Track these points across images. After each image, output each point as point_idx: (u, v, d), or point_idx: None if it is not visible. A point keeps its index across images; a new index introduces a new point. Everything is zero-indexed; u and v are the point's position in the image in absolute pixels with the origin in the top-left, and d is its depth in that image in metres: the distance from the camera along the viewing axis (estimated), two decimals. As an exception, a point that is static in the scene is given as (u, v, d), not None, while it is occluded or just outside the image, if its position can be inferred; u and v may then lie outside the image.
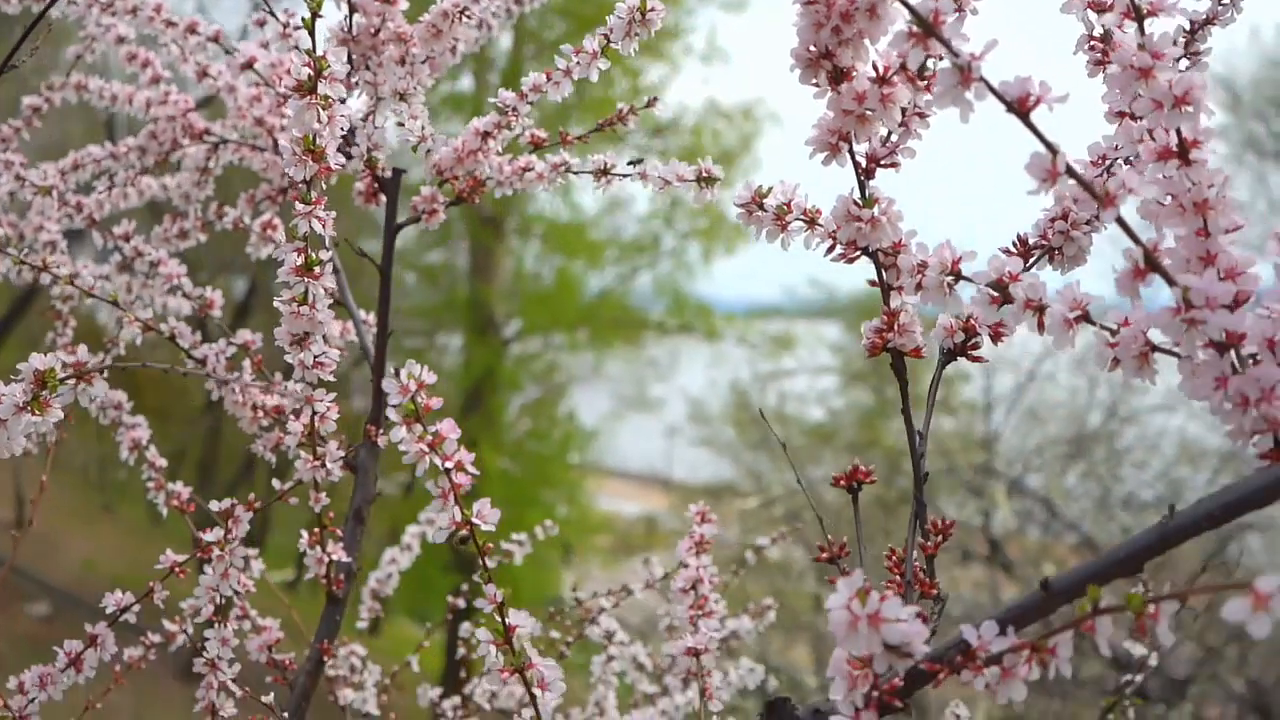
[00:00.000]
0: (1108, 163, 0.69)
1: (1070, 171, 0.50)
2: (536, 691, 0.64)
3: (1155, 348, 0.54)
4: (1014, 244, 0.69)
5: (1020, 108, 0.51)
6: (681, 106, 11.62)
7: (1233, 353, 0.53)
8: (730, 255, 11.88)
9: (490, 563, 0.66)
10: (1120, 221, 0.51)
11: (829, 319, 11.03)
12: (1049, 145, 0.51)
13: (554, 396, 11.95)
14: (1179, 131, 0.53)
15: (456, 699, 1.34)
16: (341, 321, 1.15)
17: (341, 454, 0.91)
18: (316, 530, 0.96)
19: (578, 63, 0.90)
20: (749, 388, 10.65)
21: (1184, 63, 0.73)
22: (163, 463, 1.10)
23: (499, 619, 0.65)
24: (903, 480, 7.36)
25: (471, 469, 0.63)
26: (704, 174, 0.84)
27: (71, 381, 0.67)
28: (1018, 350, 7.74)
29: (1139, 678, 1.11)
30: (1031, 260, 0.69)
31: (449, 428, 0.63)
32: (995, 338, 0.67)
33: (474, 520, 0.63)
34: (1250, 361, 0.52)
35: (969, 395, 8.48)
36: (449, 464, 0.62)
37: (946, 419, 8.66)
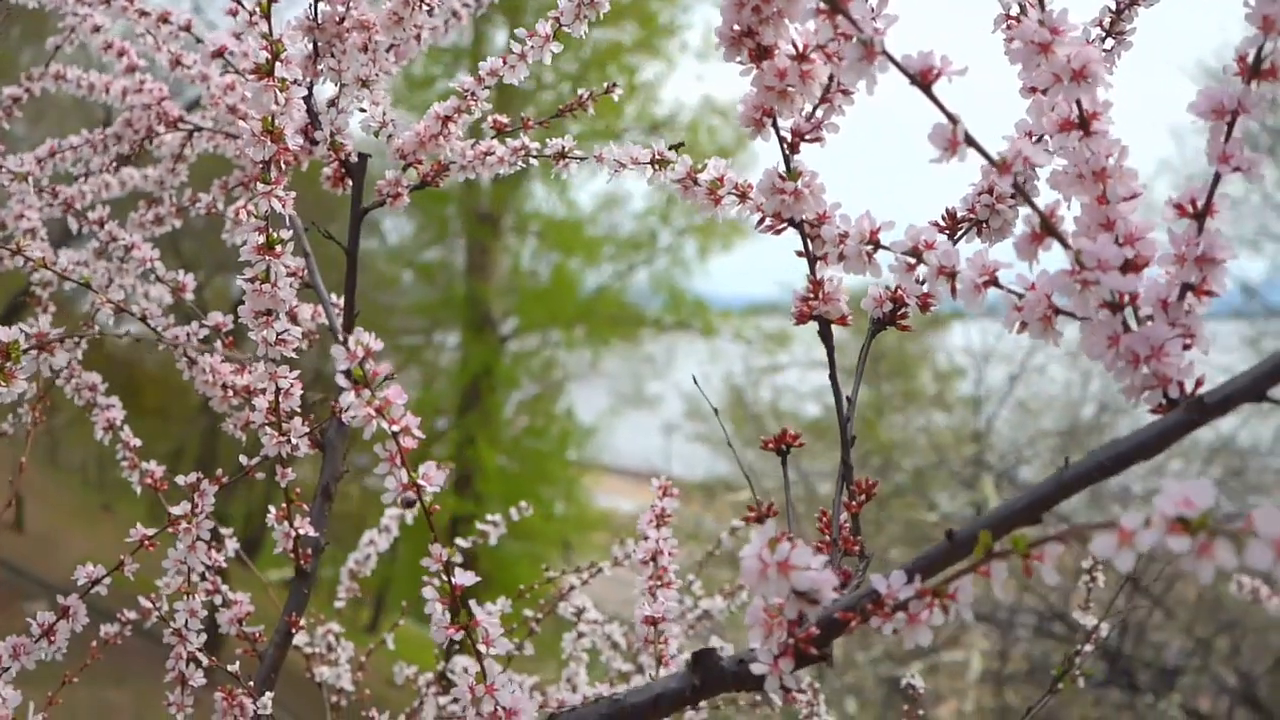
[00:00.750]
0: (1034, 138, 0.72)
1: (969, 140, 0.53)
2: (481, 647, 0.67)
3: (1058, 310, 0.57)
4: (942, 217, 0.72)
5: (923, 80, 0.53)
6: (678, 103, 11.63)
7: (1130, 313, 0.56)
8: (727, 252, 11.91)
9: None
10: (1018, 188, 0.54)
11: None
12: (950, 116, 0.53)
13: (551, 393, 11.98)
14: (1079, 103, 0.56)
15: (430, 675, 1.37)
16: (312, 305, 1.18)
17: (306, 430, 0.93)
18: (284, 506, 0.99)
19: (531, 46, 0.93)
20: (744, 383, 10.68)
21: (1109, 42, 0.76)
22: (137, 442, 1.13)
23: (445, 579, 0.67)
24: (898, 475, 7.40)
25: (418, 433, 0.66)
26: (657, 157, 0.87)
27: (34, 352, 0.70)
28: (1010, 344, 7.78)
29: (1087, 648, 1.14)
30: (960, 233, 0.72)
31: (396, 393, 0.65)
32: (923, 307, 0.70)
33: (420, 482, 0.66)
34: (1146, 322, 0.55)
35: (965, 391, 8.52)
36: (396, 428, 0.65)
37: (940, 415, 8.69)
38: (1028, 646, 6.04)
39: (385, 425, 0.65)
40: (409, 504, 0.67)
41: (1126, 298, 0.54)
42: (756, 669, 0.57)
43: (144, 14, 1.13)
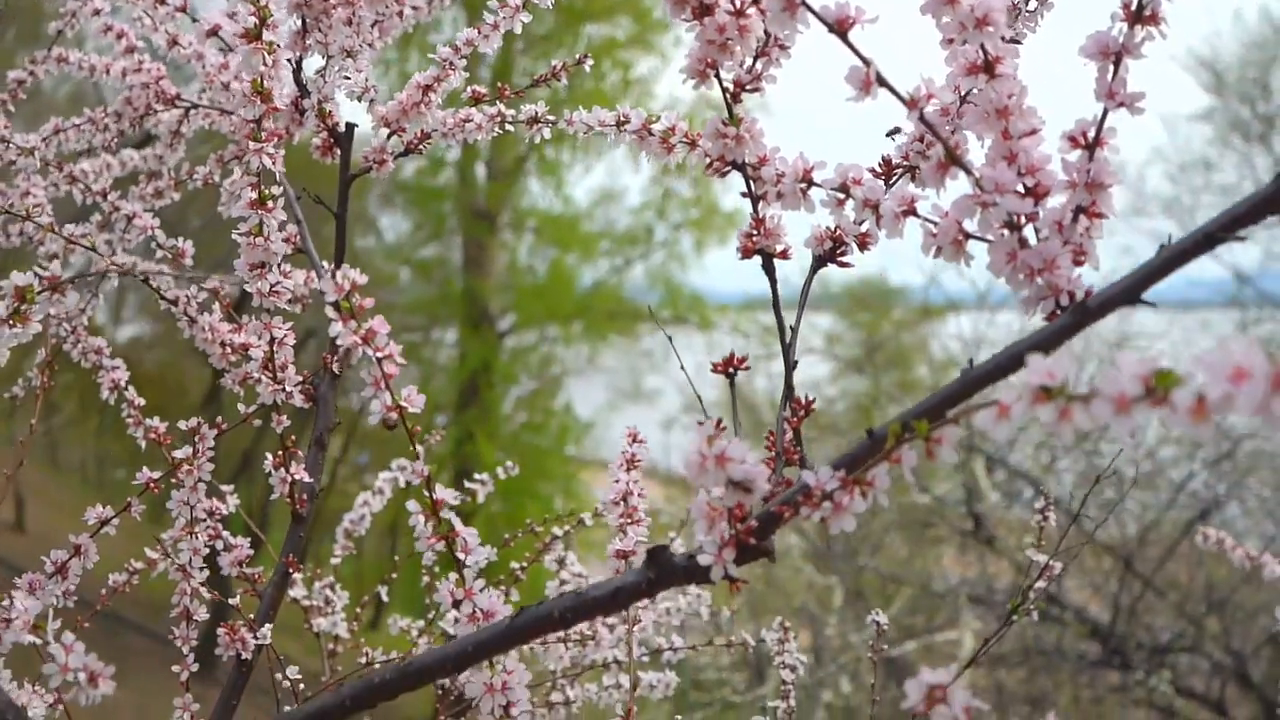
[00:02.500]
0: (963, 91, 0.79)
1: (881, 81, 0.60)
2: (460, 555, 0.74)
3: (968, 235, 0.64)
4: (879, 164, 0.78)
5: (840, 28, 0.60)
6: (672, 98, 11.69)
7: (1031, 233, 0.62)
8: (723, 246, 11.96)
9: (419, 446, 0.75)
10: (924, 121, 0.61)
11: (822, 309, 11.15)
12: (864, 59, 0.60)
13: (549, 389, 12.04)
14: (983, 49, 0.63)
15: (422, 623, 1.43)
16: (305, 271, 1.24)
17: (300, 379, 1.00)
18: (280, 453, 1.05)
19: (504, 16, 1.00)
20: (741, 375, 10.73)
21: (1032, 3, 0.82)
22: (141, 401, 1.19)
23: (427, 493, 0.74)
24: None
25: (400, 360, 0.72)
26: (621, 118, 0.93)
27: (47, 294, 0.76)
28: (1002, 333, 7.85)
29: (1041, 583, 1.20)
30: (895, 177, 0.78)
31: (380, 324, 0.72)
32: (861, 246, 0.76)
33: (402, 404, 0.73)
34: (1044, 241, 0.62)
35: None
36: (380, 354, 0.72)
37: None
38: (1019, 628, 6.11)
39: (370, 352, 0.72)
40: (391, 425, 0.74)
41: (1023, 218, 0.61)
42: (703, 559, 0.64)
43: (140, -6, 1.20)
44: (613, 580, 0.69)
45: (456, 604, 0.73)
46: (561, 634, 1.24)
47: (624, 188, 12.73)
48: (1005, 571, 6.78)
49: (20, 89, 1.43)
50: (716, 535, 0.63)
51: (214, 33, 1.14)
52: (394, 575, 1.58)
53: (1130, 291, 0.56)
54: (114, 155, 1.41)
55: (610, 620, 1.50)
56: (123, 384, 1.21)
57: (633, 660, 0.95)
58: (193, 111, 1.29)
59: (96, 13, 1.29)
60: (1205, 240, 0.55)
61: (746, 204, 0.72)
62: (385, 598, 1.52)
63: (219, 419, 1.02)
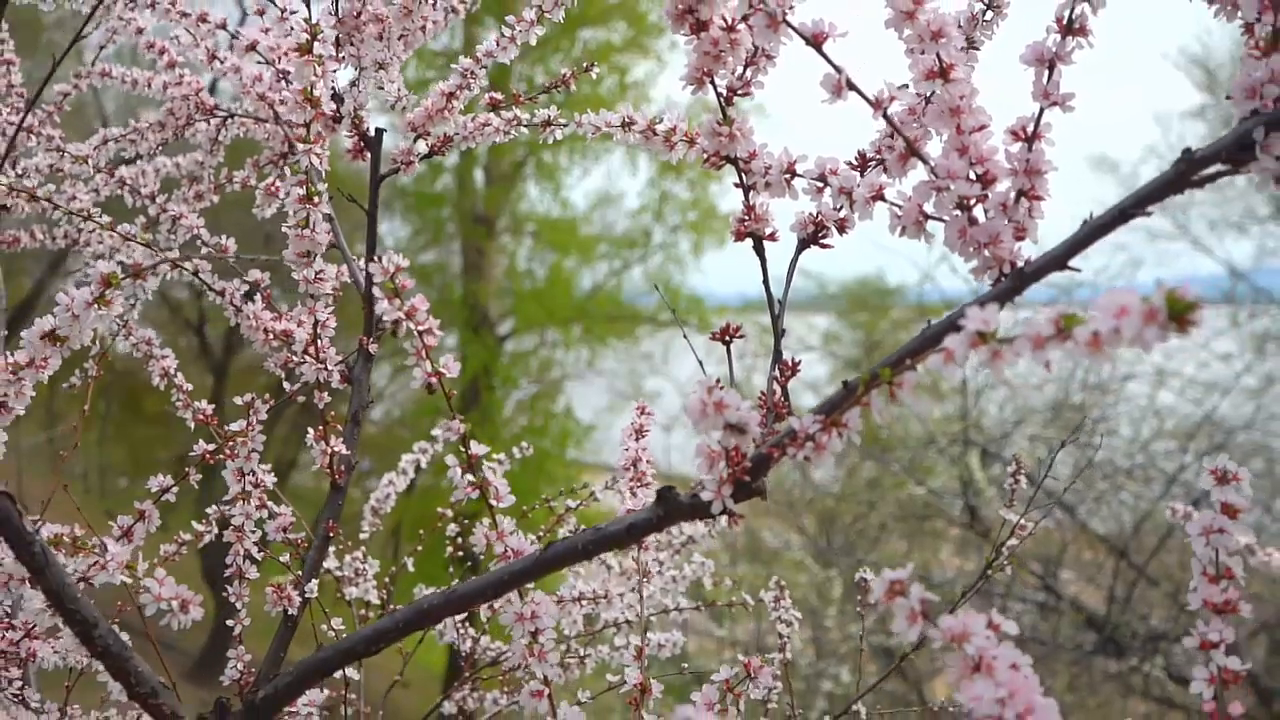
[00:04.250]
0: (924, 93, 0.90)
1: (850, 85, 0.71)
2: (493, 502, 0.85)
3: (927, 215, 0.75)
4: (855, 157, 0.89)
5: (816, 42, 0.71)
6: (669, 102, 11.79)
7: (980, 212, 0.73)
8: (721, 248, 12.08)
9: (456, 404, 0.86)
10: (888, 120, 0.72)
11: (820, 311, 11.26)
12: (836, 68, 0.71)
13: (550, 392, 12.14)
14: (939, 57, 0.74)
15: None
16: (336, 266, 1.35)
17: (340, 359, 1.11)
18: (321, 427, 1.16)
19: (519, 30, 1.11)
20: (740, 375, 10.84)
21: (989, 14, 0.93)
22: (189, 386, 1.30)
23: (463, 448, 0.85)
24: (894, 466, 7.58)
25: (438, 332, 0.83)
26: (627, 119, 1.04)
27: (130, 280, 0.87)
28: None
29: (1012, 542, 1.31)
30: (869, 169, 0.89)
31: (420, 301, 0.83)
32: (840, 229, 0.87)
33: (441, 369, 0.84)
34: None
35: (958, 378, 8.71)
36: (422, 328, 0.83)
37: (935, 406, 8.87)
38: (1015, 619, 6.21)
39: (413, 326, 0.83)
40: (431, 389, 0.85)
41: (973, 201, 0.72)
42: (705, 495, 0.75)
43: (185, 14, 1.31)
44: (627, 517, 0.80)
45: (489, 545, 0.84)
46: (578, 595, 1.35)
47: (621, 191, 12.85)
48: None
49: (65, 100, 1.54)
50: (716, 474, 0.74)
51: (253, 47, 1.26)
52: (419, 548, 1.68)
53: (1059, 260, 0.67)
54: (149, 163, 1.52)
55: (620, 589, 1.61)
56: (172, 371, 1.32)
57: (644, 618, 1.05)
58: (229, 120, 1.40)
59: (140, 31, 1.40)
60: (1120, 215, 0.66)
61: (789, 230, 0.83)
62: (411, 567, 1.63)
63: (267, 396, 1.12)
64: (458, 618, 1.47)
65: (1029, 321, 0.55)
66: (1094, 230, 0.67)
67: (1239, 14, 0.68)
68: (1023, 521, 1.29)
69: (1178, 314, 0.48)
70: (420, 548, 1.66)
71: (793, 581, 7.89)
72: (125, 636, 0.88)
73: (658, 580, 1.50)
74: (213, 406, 1.28)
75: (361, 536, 1.62)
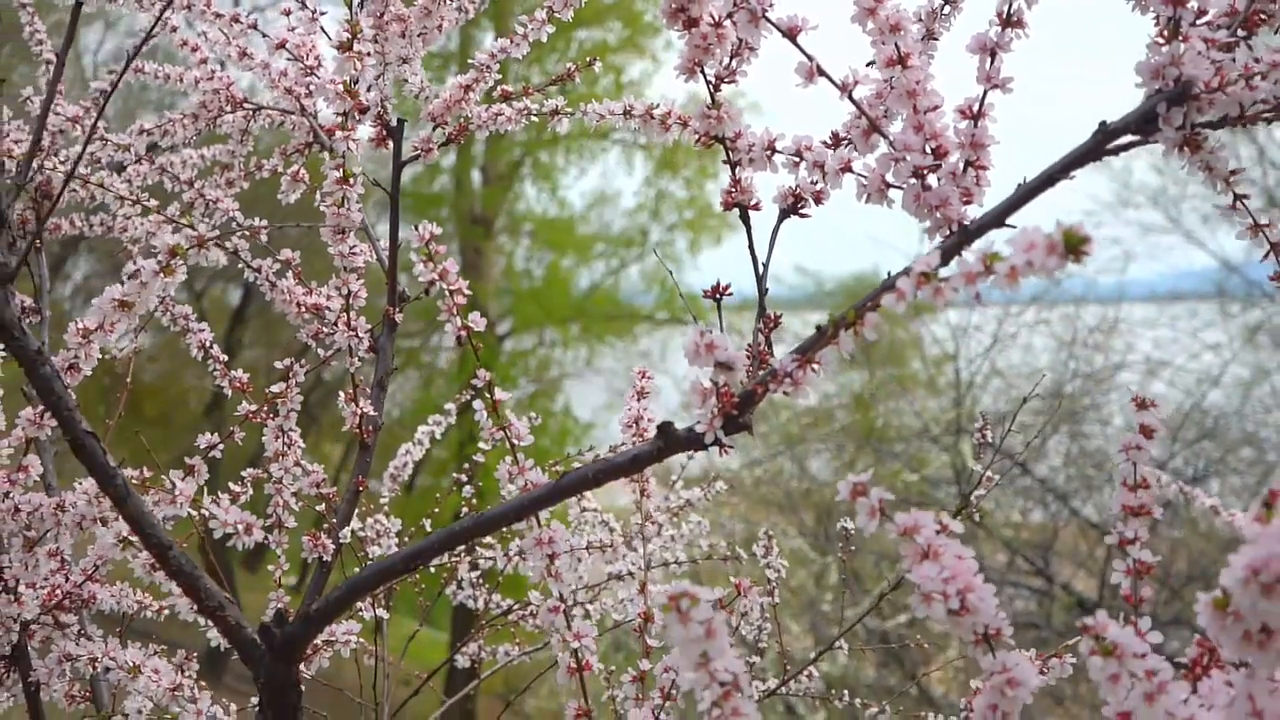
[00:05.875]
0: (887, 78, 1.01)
1: (820, 71, 0.83)
2: (515, 439, 0.97)
3: (888, 184, 0.87)
4: (830, 136, 1.01)
5: (791, 34, 0.83)
6: (665, 99, 11.91)
7: (934, 180, 0.85)
8: (718, 246, 12.18)
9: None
10: (854, 102, 0.84)
11: (817, 308, 11.39)
12: (808, 56, 0.83)
13: (548, 391, 12.25)
14: (898, 47, 0.86)
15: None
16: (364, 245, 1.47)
17: (369, 327, 1.23)
18: (351, 390, 1.28)
19: (531, 29, 1.22)
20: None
21: (947, 8, 1.05)
22: (225, 358, 1.42)
23: (489, 395, 0.97)
24: (892, 461, 7.73)
25: (466, 291, 0.95)
26: (627, 109, 1.16)
27: (195, 249, 0.99)
28: (988, 318, 8.09)
29: (981, 492, 1.42)
30: (841, 146, 1.01)
31: (451, 264, 0.95)
32: (816, 200, 0.99)
33: (469, 324, 0.95)
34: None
35: (953, 373, 8.85)
36: (452, 288, 0.95)
37: (932, 401, 9.02)
38: (1007, 603, 6.34)
39: (445, 286, 0.94)
40: (460, 341, 0.96)
41: (926, 170, 0.83)
42: (698, 428, 0.86)
43: (219, 15, 1.42)
44: (631, 449, 0.91)
45: (512, 478, 0.96)
46: (586, 544, 1.47)
47: (618, 190, 12.96)
48: (996, 549, 7.01)
49: (103, 98, 1.66)
50: (708, 409, 0.86)
51: (283, 45, 1.37)
52: (436, 510, 1.80)
53: (997, 218, 0.79)
54: (194, 150, 1.63)
55: (624, 551, 1.73)
56: (208, 344, 1.44)
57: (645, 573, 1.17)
58: (258, 112, 1.52)
59: (174, 30, 1.52)
60: (1048, 179, 0.78)
61: (771, 201, 0.95)
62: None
63: (303, 361, 1.24)
64: (474, 574, 1.59)
65: (961, 261, 0.67)
66: (1026, 193, 0.78)
67: (1150, 8, 0.79)
68: (989, 474, 1.41)
69: (1073, 246, 0.60)
70: (438, 510, 1.77)
71: (792, 573, 8.02)
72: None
73: (657, 540, 1.62)
74: (247, 374, 1.39)
75: (381, 501, 1.74)
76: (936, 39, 1.01)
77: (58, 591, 1.16)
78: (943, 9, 1.04)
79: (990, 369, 7.70)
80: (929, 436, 6.66)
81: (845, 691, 1.79)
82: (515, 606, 1.59)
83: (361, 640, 1.59)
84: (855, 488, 0.73)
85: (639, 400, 1.29)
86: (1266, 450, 7.53)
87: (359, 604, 1.66)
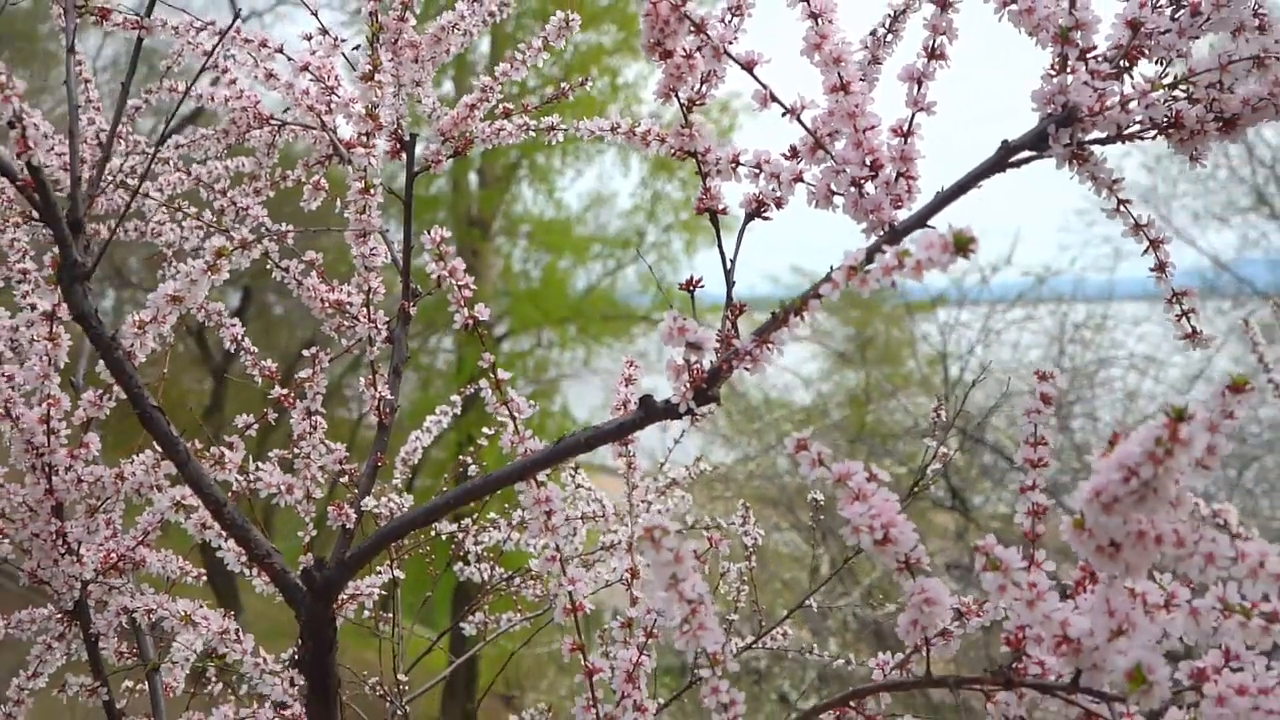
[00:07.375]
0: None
1: (773, 97, 0.98)
2: (516, 413, 1.12)
3: (833, 191, 1.02)
4: (788, 149, 1.17)
5: (748, 66, 0.99)
6: (659, 103, 12.05)
7: (870, 189, 1.01)
8: (713, 247, 12.28)
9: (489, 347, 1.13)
10: (800, 122, 0.99)
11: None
12: (763, 85, 0.99)
13: (546, 392, 12.39)
14: (839, 75, 1.01)
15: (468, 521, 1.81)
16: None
17: (387, 318, 1.38)
18: (370, 376, 1.44)
19: (529, 54, 1.38)
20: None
21: (890, 36, 1.21)
22: (255, 350, 1.57)
23: (493, 375, 1.12)
24: (885, 458, 7.89)
25: (472, 286, 1.11)
26: (615, 125, 1.32)
27: (239, 250, 1.14)
28: (978, 315, 8.26)
29: (934, 466, 1.58)
30: (796, 159, 1.17)
31: (459, 262, 1.10)
32: (777, 205, 1.15)
33: (476, 315, 1.11)
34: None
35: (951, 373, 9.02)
36: (460, 283, 1.10)
37: (924, 400, 9.18)
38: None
39: (454, 281, 1.10)
40: (467, 329, 1.12)
41: (864, 180, 0.99)
42: (674, 399, 1.02)
43: (247, 40, 1.58)
44: (617, 418, 1.07)
45: (515, 432, 1.11)
46: (580, 513, 1.62)
47: (614, 192, 13.11)
48: (978, 534, 7.16)
49: (136, 114, 1.82)
50: (681, 383, 1.01)
51: (305, 68, 1.53)
52: (444, 489, 1.94)
53: (919, 220, 0.95)
54: (223, 162, 1.79)
55: (614, 527, 1.89)
56: (240, 337, 1.60)
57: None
58: (283, 128, 1.68)
59: (207, 54, 1.67)
60: (958, 189, 0.94)
61: (738, 207, 1.11)
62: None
63: (327, 350, 1.40)
64: (481, 546, 1.75)
65: (880, 258, 0.83)
66: (941, 201, 0.94)
67: (1046, 46, 0.95)
68: (944, 450, 1.56)
69: (961, 246, 0.75)
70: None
71: (786, 567, 8.18)
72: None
73: (646, 517, 1.77)
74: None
75: (394, 482, 1.89)
76: (880, 63, 1.16)
77: (112, 555, 1.32)
78: (885, 37, 1.20)
79: (979, 366, 7.87)
80: (917, 432, 6.82)
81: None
82: (516, 575, 1.74)
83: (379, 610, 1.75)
84: (799, 443, 0.88)
85: (627, 386, 1.45)
86: (1248, 443, 7.69)
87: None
